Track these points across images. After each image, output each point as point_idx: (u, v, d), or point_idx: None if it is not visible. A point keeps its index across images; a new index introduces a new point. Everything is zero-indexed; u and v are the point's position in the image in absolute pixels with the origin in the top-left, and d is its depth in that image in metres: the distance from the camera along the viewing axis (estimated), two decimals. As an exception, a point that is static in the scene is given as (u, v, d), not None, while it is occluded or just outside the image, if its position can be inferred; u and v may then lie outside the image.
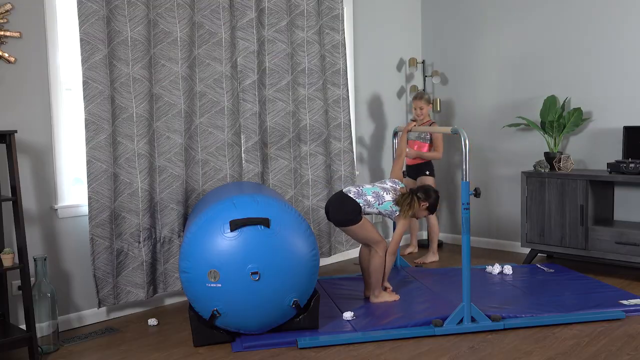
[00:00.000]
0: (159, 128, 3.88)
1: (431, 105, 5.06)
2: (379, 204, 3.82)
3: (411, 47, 5.99)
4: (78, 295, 3.71)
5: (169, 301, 4.14)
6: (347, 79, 4.91)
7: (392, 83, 5.79)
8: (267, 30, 4.41)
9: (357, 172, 5.37)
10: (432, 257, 5.19)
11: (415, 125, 4.48)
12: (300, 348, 3.22)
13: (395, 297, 3.93)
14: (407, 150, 4.99)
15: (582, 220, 4.59)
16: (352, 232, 3.83)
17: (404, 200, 3.84)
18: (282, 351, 3.19)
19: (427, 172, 5.15)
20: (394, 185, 3.93)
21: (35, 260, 3.24)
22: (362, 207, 3.77)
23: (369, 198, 3.80)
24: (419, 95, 5.09)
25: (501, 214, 5.60)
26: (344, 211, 3.77)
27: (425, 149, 5.13)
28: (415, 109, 5.08)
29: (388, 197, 3.84)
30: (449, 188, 5.98)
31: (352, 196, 3.78)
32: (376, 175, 5.64)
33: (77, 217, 3.68)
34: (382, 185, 3.92)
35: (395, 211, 3.85)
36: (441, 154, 5.11)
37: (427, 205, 3.93)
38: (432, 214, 4.05)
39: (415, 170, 5.21)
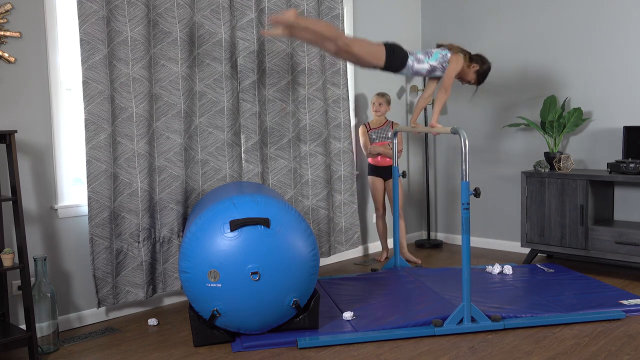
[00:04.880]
0: (159, 128, 3.88)
1: (389, 107, 5.18)
2: (428, 58, 3.89)
3: (411, 47, 5.99)
4: (78, 295, 3.71)
5: (168, 301, 4.14)
6: (347, 79, 4.91)
7: (392, 83, 5.79)
8: (266, 29, 4.41)
9: (356, 172, 5.37)
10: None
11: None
12: (300, 348, 3.22)
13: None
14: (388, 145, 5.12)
15: (582, 220, 4.59)
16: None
17: (455, 46, 3.94)
18: (282, 351, 3.19)
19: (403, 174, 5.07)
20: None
21: (35, 260, 3.24)
22: (410, 62, 3.85)
23: (419, 55, 3.90)
24: (382, 94, 5.15)
25: (501, 214, 5.60)
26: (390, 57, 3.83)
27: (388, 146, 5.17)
28: (373, 103, 5.11)
29: (436, 50, 3.94)
30: (449, 188, 5.98)
31: (405, 49, 3.89)
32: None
33: (77, 217, 3.69)
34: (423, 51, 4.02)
35: (446, 54, 3.91)
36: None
37: (477, 68, 3.97)
38: (480, 84, 4.06)
39: (390, 170, 5.16)
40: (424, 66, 3.91)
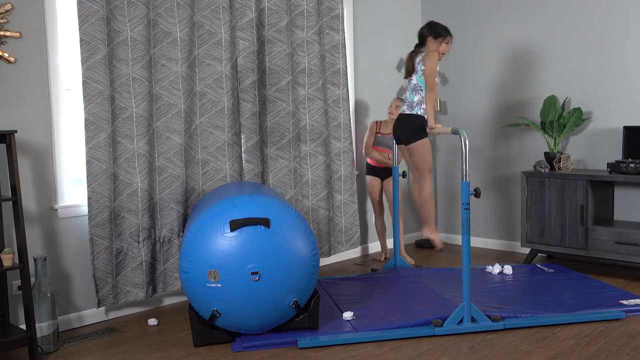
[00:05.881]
0: (159, 128, 3.88)
1: None
2: (420, 88, 4.23)
3: (411, 47, 5.99)
4: (78, 295, 3.71)
5: (168, 301, 4.14)
6: (347, 79, 4.91)
7: (392, 83, 5.79)
8: (267, 30, 4.41)
9: (356, 172, 5.37)
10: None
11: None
12: (300, 348, 3.22)
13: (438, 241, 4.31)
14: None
15: (582, 220, 4.60)
16: (415, 150, 4.20)
17: (414, 56, 4.29)
18: (282, 351, 3.19)
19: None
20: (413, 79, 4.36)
21: (35, 260, 3.24)
22: (423, 113, 4.22)
23: (415, 98, 4.24)
24: (402, 99, 5.12)
25: (501, 214, 5.60)
26: (410, 127, 4.21)
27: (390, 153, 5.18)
28: (390, 105, 5.13)
29: (414, 78, 4.29)
30: (449, 188, 5.98)
31: (407, 112, 4.22)
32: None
33: (77, 217, 3.69)
34: (411, 84, 4.36)
35: (422, 67, 4.23)
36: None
37: (440, 37, 4.28)
38: (449, 34, 4.32)
39: (387, 171, 5.20)
40: (423, 95, 4.25)
